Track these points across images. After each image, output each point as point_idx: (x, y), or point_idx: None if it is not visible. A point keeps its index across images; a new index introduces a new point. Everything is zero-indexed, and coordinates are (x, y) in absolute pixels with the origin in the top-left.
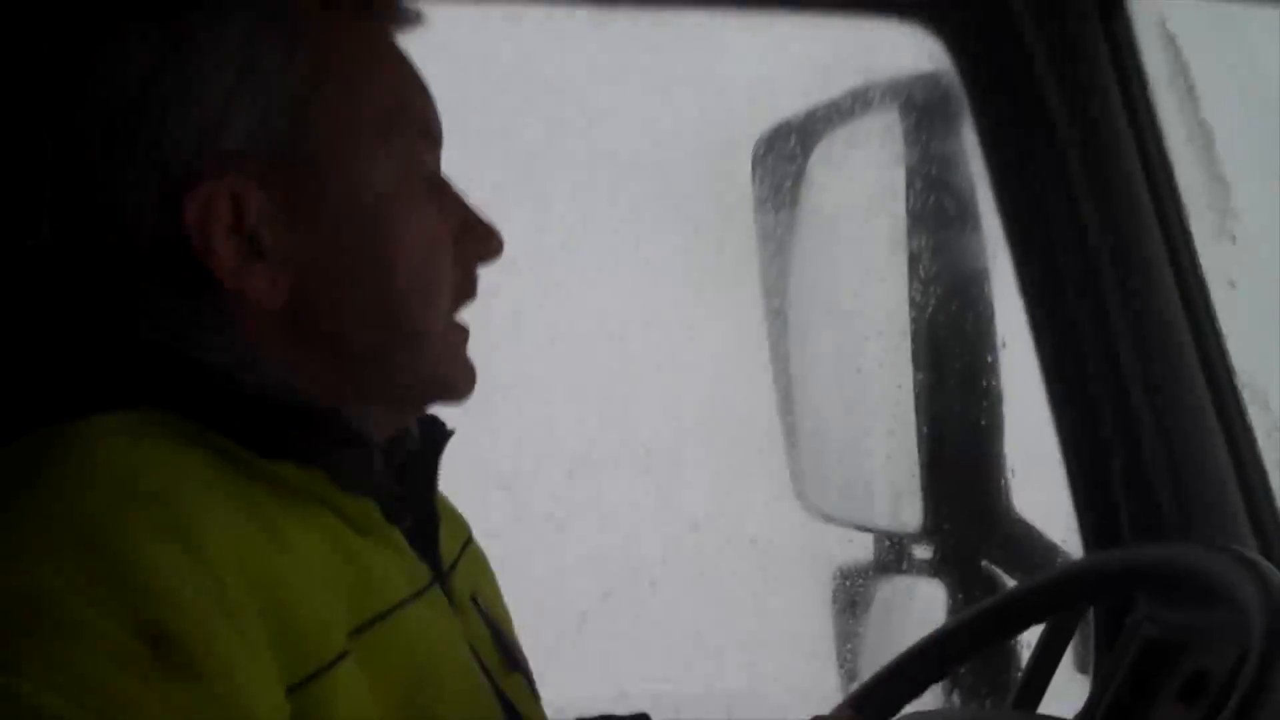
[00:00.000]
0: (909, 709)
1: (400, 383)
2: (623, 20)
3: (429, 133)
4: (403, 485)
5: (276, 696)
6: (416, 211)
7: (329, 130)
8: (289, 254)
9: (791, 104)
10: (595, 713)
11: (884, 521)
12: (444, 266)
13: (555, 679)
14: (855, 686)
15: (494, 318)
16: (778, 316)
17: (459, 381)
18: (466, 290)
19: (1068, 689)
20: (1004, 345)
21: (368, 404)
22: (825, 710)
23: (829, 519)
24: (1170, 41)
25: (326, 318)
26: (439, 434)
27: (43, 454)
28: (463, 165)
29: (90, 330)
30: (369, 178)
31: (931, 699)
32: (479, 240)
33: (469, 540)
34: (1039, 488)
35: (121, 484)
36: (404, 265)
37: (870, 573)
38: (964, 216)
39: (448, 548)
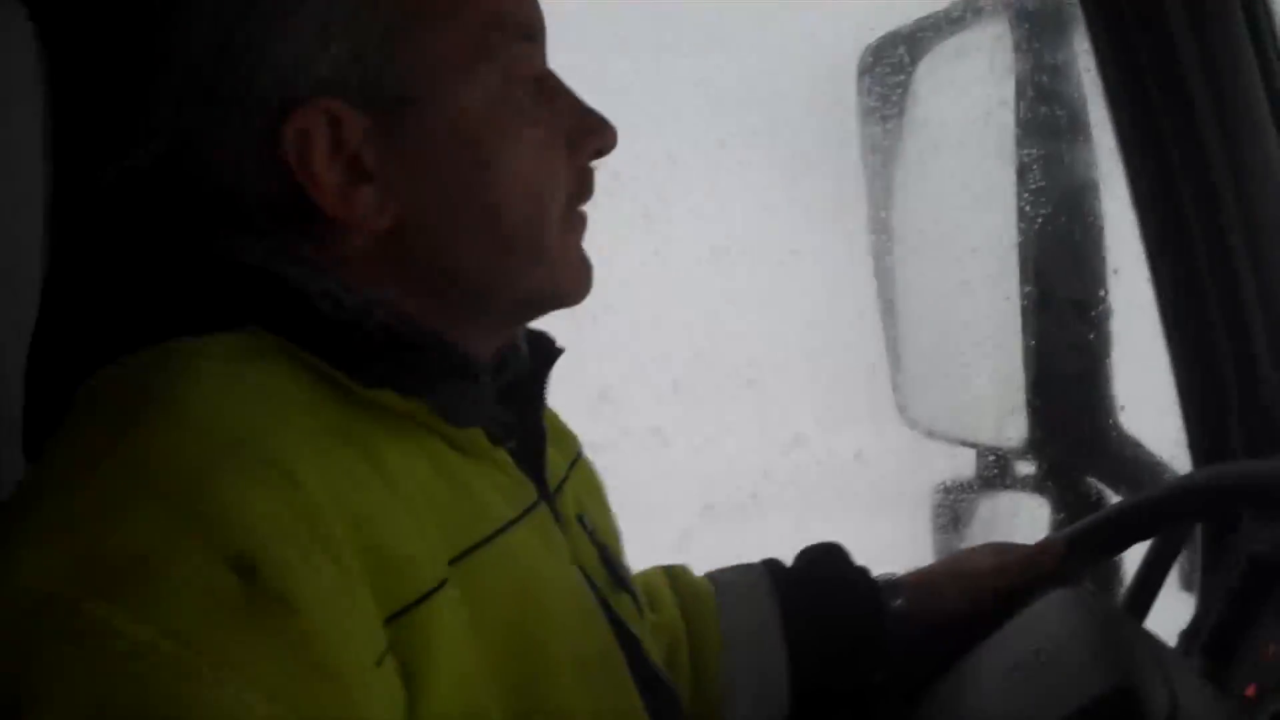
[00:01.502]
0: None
1: (512, 299)
2: None
3: (531, 34)
4: (510, 405)
5: (372, 627)
6: (522, 125)
7: (423, 59)
8: (393, 177)
9: (898, 21)
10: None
11: (987, 437)
12: (555, 174)
13: None
14: None
15: (599, 236)
16: (882, 229)
17: (574, 285)
18: (584, 185)
19: (1173, 609)
20: (1115, 270)
21: (477, 324)
22: None
23: (932, 434)
24: None
25: (435, 241)
26: (548, 352)
27: (147, 385)
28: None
29: (195, 254)
30: (468, 102)
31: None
32: (592, 135)
33: (578, 457)
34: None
35: (219, 422)
36: (511, 184)
37: (973, 488)
38: (1075, 128)
39: (555, 465)
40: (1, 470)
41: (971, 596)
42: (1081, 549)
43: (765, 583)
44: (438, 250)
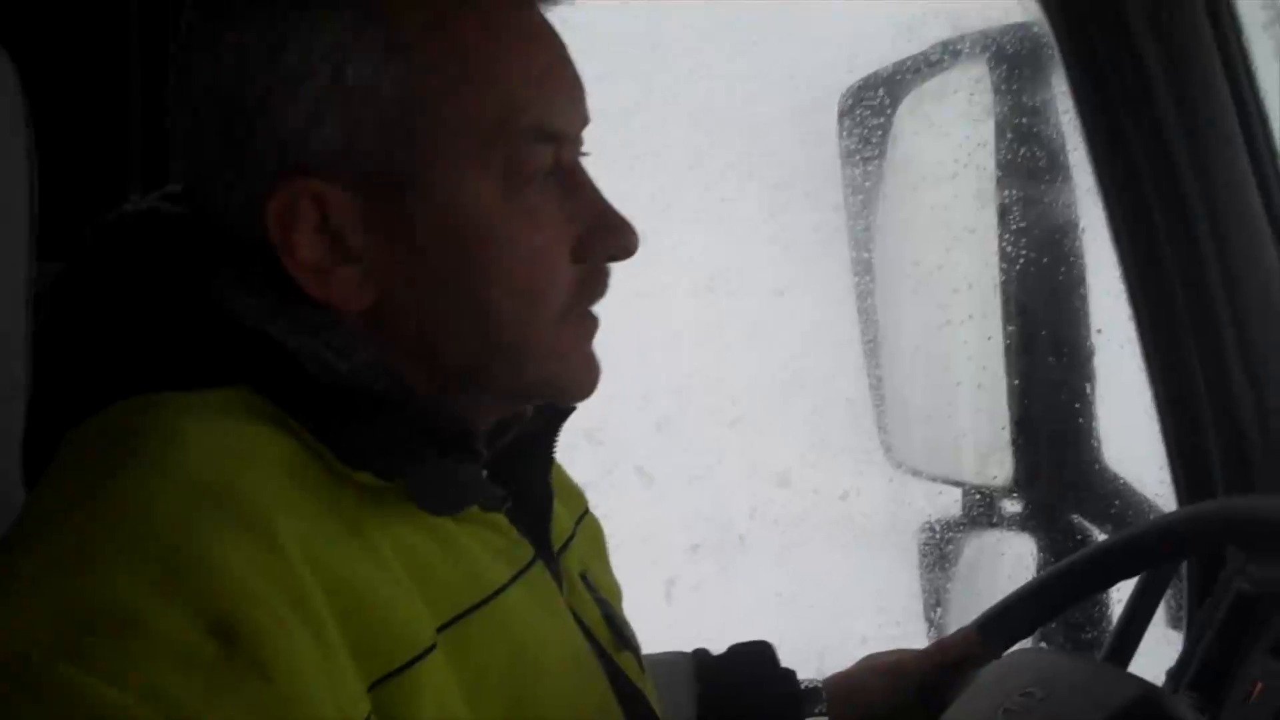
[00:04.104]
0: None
1: (499, 387)
2: None
3: (550, 133)
4: (512, 464)
5: (352, 693)
6: (520, 224)
7: (421, 147)
8: (378, 260)
9: (880, 59)
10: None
11: (972, 476)
12: (553, 277)
13: (643, 638)
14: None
15: None
16: (865, 270)
17: (572, 381)
18: (593, 288)
19: (1159, 647)
20: (1099, 331)
21: (469, 398)
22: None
23: (917, 473)
24: None
25: (416, 327)
26: (556, 410)
27: (125, 438)
28: None
29: (189, 305)
30: (464, 195)
31: (1026, 650)
32: (610, 238)
33: (584, 513)
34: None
35: (200, 479)
36: (501, 281)
37: (959, 527)
38: (1054, 168)
39: (562, 523)
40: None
41: (899, 690)
42: (1004, 626)
43: (690, 670)
44: (422, 333)
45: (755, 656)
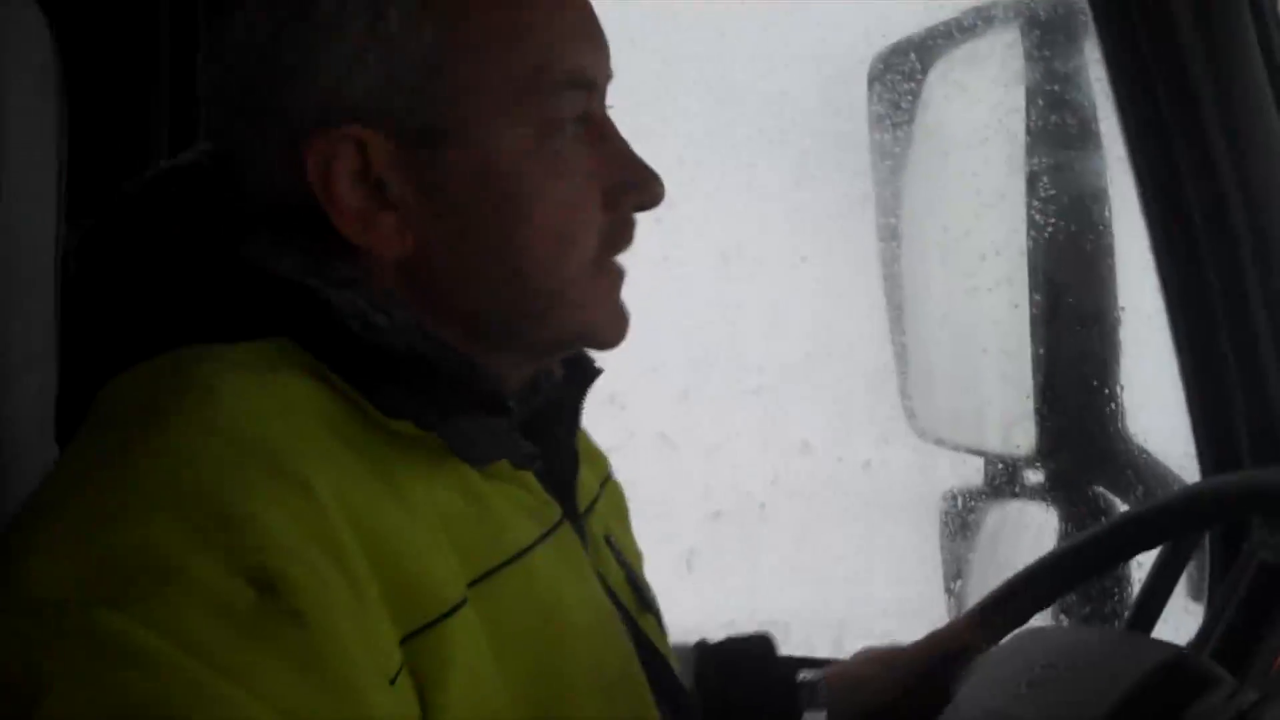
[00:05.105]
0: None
1: (531, 339)
2: None
3: (582, 81)
4: (541, 427)
5: (386, 646)
6: (553, 172)
7: (461, 95)
8: (416, 208)
9: (912, 26)
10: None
11: (996, 445)
12: (586, 225)
13: (664, 604)
14: (965, 610)
15: None
16: (892, 236)
17: (603, 330)
18: (620, 237)
19: (1182, 619)
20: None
21: (503, 355)
22: None
23: (940, 442)
24: None
25: (454, 275)
26: (586, 371)
27: (166, 391)
28: None
29: (226, 261)
30: (501, 143)
31: (1040, 625)
32: (637, 187)
33: (608, 477)
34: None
35: (238, 432)
36: (534, 229)
37: (981, 497)
38: (1085, 136)
39: (588, 486)
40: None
41: (898, 681)
42: (1001, 613)
43: (690, 660)
44: (457, 284)
45: (755, 648)
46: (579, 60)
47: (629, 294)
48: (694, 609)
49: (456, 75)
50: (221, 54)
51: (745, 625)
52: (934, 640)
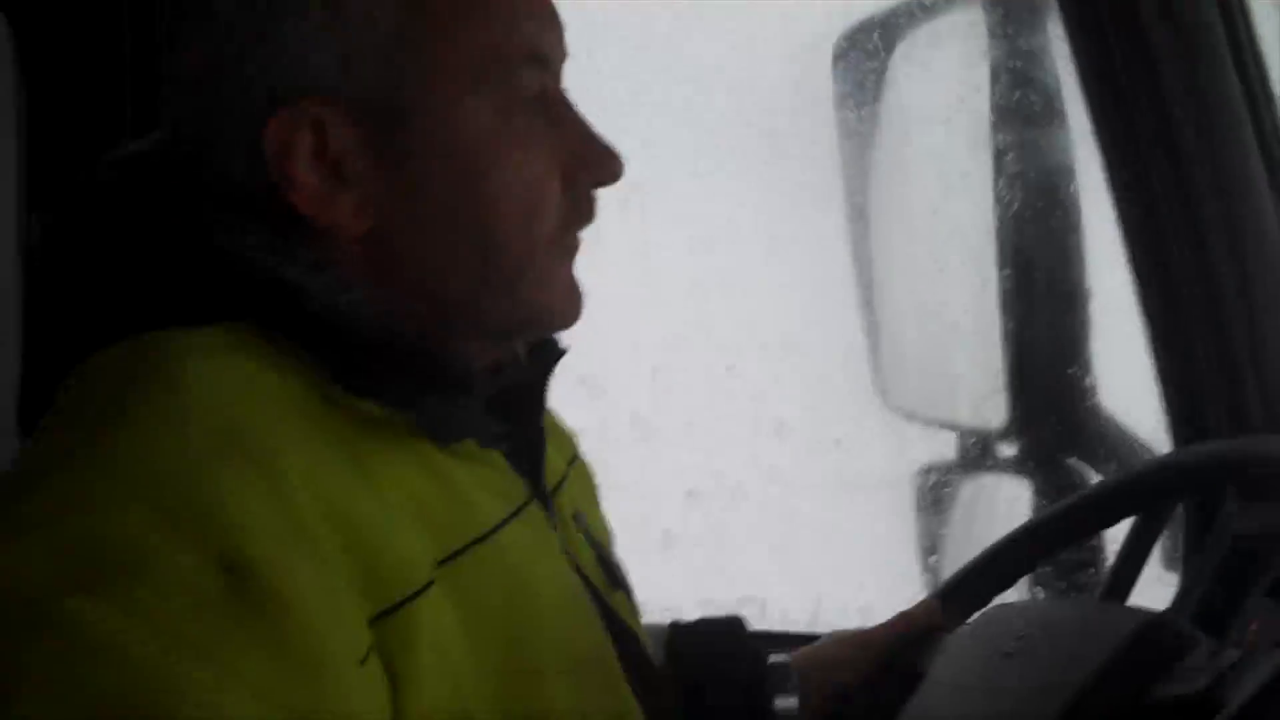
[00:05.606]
0: (995, 603)
1: (494, 320)
2: None
3: (539, 58)
4: (507, 408)
5: (356, 626)
6: (512, 148)
7: (419, 75)
8: (376, 186)
9: (874, 5)
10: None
11: (968, 419)
12: (546, 200)
13: (638, 583)
14: (941, 582)
15: None
16: (859, 215)
17: (561, 309)
18: (581, 215)
19: (1155, 589)
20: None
21: (468, 337)
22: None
23: (913, 417)
24: None
25: (414, 255)
26: (550, 352)
27: (133, 377)
28: None
29: (189, 244)
30: (461, 121)
31: (1015, 596)
32: (596, 164)
33: (575, 457)
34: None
35: (205, 417)
36: (497, 208)
37: (954, 471)
38: (1050, 113)
39: (554, 465)
40: None
41: (867, 661)
42: (974, 588)
43: (662, 639)
44: (420, 263)
45: (726, 628)
46: (536, 38)
47: (602, 277)
48: (672, 588)
49: (416, 53)
50: (181, 36)
51: (723, 602)
52: (905, 618)
